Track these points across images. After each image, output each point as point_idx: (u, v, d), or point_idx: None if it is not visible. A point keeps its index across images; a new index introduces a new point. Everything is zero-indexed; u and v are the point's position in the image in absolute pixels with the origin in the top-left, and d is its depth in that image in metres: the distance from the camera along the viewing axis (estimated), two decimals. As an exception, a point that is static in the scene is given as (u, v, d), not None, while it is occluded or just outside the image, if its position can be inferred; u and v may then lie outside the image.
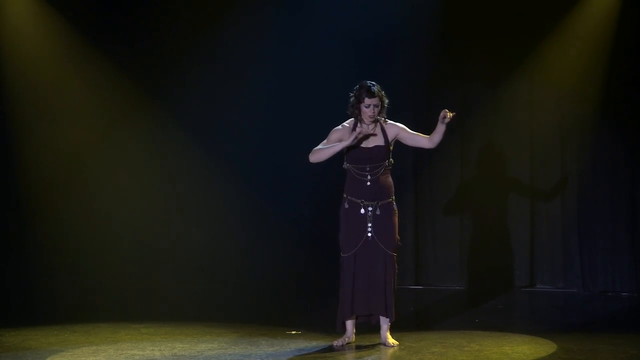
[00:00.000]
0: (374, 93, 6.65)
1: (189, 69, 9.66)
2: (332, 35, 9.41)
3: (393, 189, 6.79)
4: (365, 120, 6.73)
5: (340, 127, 6.81)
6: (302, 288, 9.33)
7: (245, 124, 9.59)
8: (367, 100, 6.67)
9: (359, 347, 6.70)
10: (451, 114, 6.56)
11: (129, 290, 9.11)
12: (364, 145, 6.73)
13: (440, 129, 6.63)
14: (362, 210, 6.72)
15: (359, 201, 6.72)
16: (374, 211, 6.70)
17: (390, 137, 6.76)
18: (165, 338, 7.23)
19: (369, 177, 6.70)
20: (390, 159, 6.76)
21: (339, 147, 6.66)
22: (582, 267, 9.33)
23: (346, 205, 6.79)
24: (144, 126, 9.72)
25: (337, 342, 6.76)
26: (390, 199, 6.76)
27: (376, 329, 6.84)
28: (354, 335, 6.84)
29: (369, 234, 6.70)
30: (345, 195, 6.81)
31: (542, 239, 9.56)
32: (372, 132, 6.73)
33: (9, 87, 9.42)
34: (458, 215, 9.73)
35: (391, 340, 6.73)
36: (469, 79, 9.65)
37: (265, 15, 9.59)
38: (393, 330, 6.83)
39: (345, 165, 6.82)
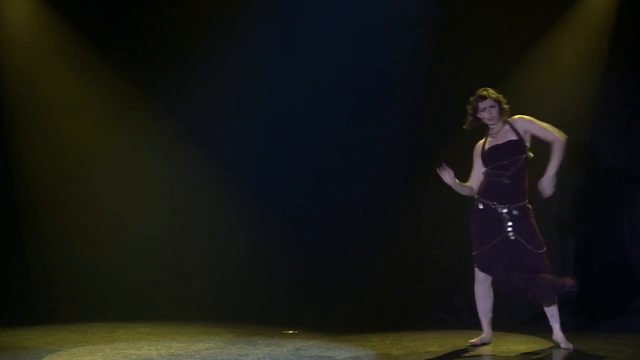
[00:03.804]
0: (484, 96, 6.72)
1: (189, 68, 9.63)
2: (331, 33, 9.38)
3: (527, 194, 6.66)
4: (489, 124, 6.75)
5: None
6: (299, 287, 9.32)
7: (246, 123, 9.57)
8: (480, 105, 6.73)
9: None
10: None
11: (126, 290, 9.09)
12: (494, 143, 6.72)
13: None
14: (498, 210, 6.62)
15: (491, 204, 6.65)
16: (510, 212, 6.61)
17: (521, 130, 6.69)
18: (162, 337, 7.23)
19: (506, 174, 6.62)
20: (529, 153, 6.66)
21: (456, 188, 6.82)
22: (580, 266, 9.31)
23: (480, 206, 6.73)
24: (144, 126, 9.70)
25: (474, 341, 6.78)
26: (524, 203, 6.64)
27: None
28: (491, 336, 6.82)
29: (511, 231, 6.58)
30: (477, 197, 6.76)
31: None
32: (494, 134, 6.73)
33: (8, 88, 9.42)
34: (456, 214, 9.70)
35: (565, 343, 6.62)
36: (467, 73, 9.59)
37: (264, 15, 9.57)
38: (390, 330, 6.82)
39: (484, 171, 6.77)
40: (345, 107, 9.42)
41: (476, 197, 6.77)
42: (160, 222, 9.60)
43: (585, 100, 9.10)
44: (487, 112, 6.71)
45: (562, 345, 6.58)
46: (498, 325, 7.01)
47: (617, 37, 8.92)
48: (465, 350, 6.55)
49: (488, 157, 6.74)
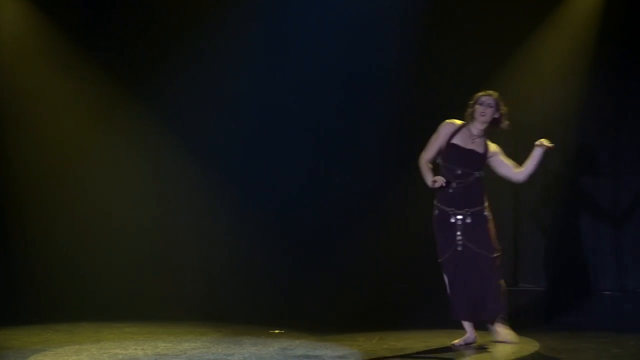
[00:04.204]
0: (490, 93, 6.76)
1: (175, 67, 9.60)
2: (318, 32, 9.37)
3: (484, 199, 6.72)
4: (477, 120, 6.72)
5: (450, 122, 6.81)
6: (286, 287, 9.31)
7: (233, 122, 9.55)
8: (481, 99, 6.73)
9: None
10: (548, 145, 6.65)
11: (112, 290, 9.07)
12: (463, 144, 6.71)
13: (535, 155, 6.70)
14: (452, 219, 6.68)
15: (449, 210, 6.68)
16: (464, 220, 6.66)
17: (489, 152, 6.78)
18: (148, 337, 7.22)
19: (455, 183, 6.66)
20: (482, 172, 6.73)
21: (425, 177, 6.73)
22: (566, 266, 9.33)
23: (436, 212, 6.76)
24: (130, 125, 9.66)
25: (457, 342, 6.77)
26: (481, 208, 6.69)
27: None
28: (475, 335, 6.82)
29: (460, 241, 6.64)
30: (435, 203, 6.77)
31: (525, 238, 9.55)
32: (474, 140, 6.72)
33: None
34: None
35: (513, 337, 6.72)
36: (452, 73, 9.60)
37: (251, 13, 9.56)
38: (376, 329, 6.82)
39: (439, 160, 6.78)
40: (332, 106, 9.42)
41: (434, 202, 6.78)
42: (146, 222, 9.58)
43: (570, 100, 9.12)
44: (483, 107, 6.70)
45: (506, 339, 6.71)
46: (482, 324, 7.02)
47: (601, 38, 8.94)
48: (451, 350, 6.56)
49: (449, 151, 6.73)
